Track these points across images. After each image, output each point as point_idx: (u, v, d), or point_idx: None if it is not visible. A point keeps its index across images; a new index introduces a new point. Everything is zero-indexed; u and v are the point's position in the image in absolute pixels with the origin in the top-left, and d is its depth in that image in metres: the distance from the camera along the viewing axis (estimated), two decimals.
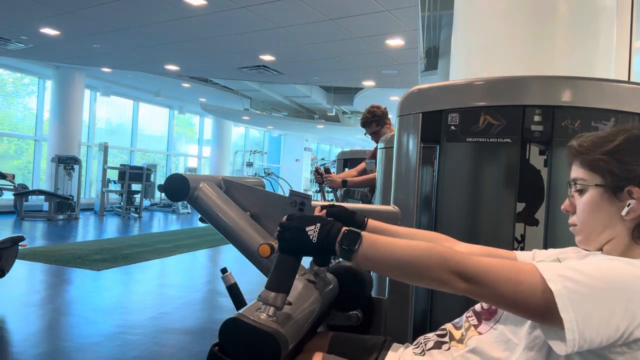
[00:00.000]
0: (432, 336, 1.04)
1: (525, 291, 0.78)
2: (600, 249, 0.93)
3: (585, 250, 0.98)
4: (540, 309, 0.76)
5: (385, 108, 3.50)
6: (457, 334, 1.00)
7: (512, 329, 0.91)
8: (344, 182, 3.38)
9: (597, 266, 0.79)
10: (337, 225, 0.91)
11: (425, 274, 0.83)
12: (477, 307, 1.03)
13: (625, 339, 0.73)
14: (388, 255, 0.87)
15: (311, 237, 0.90)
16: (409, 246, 0.86)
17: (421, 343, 1.04)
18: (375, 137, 3.48)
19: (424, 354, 1.00)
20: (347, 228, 0.91)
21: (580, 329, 0.72)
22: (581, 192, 0.94)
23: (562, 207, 1.00)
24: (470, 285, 0.81)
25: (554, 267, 0.79)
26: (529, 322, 0.87)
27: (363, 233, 0.89)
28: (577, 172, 0.96)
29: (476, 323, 0.98)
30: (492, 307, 0.98)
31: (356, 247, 0.87)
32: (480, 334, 0.96)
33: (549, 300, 0.75)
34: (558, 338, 0.75)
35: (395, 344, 1.14)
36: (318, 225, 0.91)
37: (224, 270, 1.16)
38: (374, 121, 3.41)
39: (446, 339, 1.01)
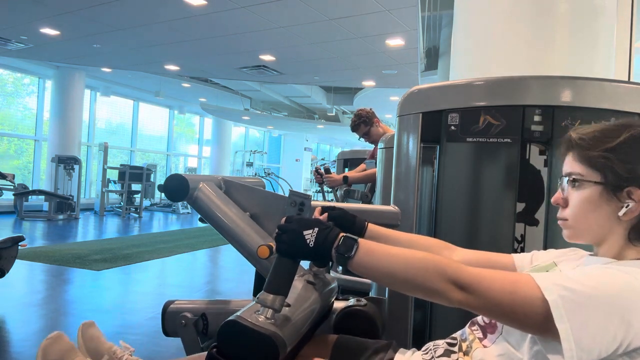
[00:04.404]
0: (442, 343, 1.03)
1: (521, 301, 0.77)
2: (593, 246, 0.92)
3: (579, 247, 0.98)
4: (538, 320, 0.76)
5: (370, 109, 3.56)
6: (463, 346, 1.00)
7: (514, 344, 0.90)
8: (345, 178, 3.39)
9: (593, 274, 0.78)
10: (335, 231, 0.91)
11: (421, 283, 0.83)
12: (479, 319, 1.02)
13: (625, 348, 0.72)
14: (383, 263, 0.87)
15: (308, 241, 0.90)
16: (405, 255, 0.86)
17: (430, 349, 1.03)
18: (368, 138, 3.52)
19: None
20: (345, 234, 0.90)
21: (575, 337, 0.71)
22: (576, 187, 0.90)
23: (552, 199, 0.96)
24: (466, 294, 0.80)
25: (549, 276, 0.79)
26: (529, 337, 0.85)
27: (360, 240, 0.89)
28: (573, 166, 0.91)
29: (481, 336, 0.98)
30: (494, 320, 0.97)
31: (352, 254, 0.87)
32: (485, 347, 0.95)
33: (545, 310, 0.74)
34: (558, 352, 0.74)
35: (402, 349, 1.13)
36: (316, 229, 0.91)
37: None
38: (361, 123, 3.47)
39: (455, 348, 1.00)
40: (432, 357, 1.00)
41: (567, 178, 0.92)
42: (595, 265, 0.85)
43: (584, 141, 0.89)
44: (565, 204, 0.92)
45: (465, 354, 0.97)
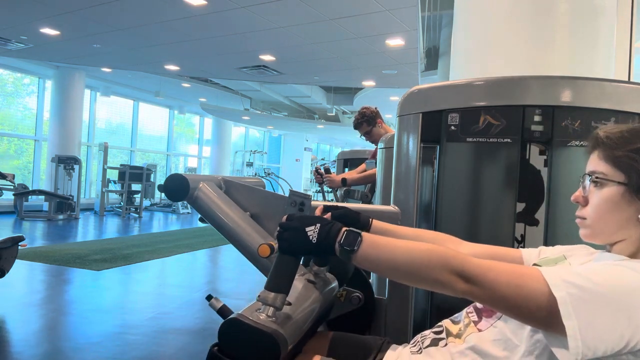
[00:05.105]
0: (428, 334, 1.03)
1: (527, 295, 0.76)
2: (607, 245, 0.91)
3: (592, 246, 0.97)
4: (543, 315, 0.75)
5: (375, 108, 3.54)
6: (454, 329, 0.99)
7: (512, 329, 0.89)
8: (344, 181, 3.39)
9: (602, 271, 0.77)
10: (337, 226, 0.91)
11: (426, 274, 0.83)
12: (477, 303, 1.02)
13: (631, 348, 0.72)
14: (388, 255, 0.86)
15: (311, 237, 0.89)
16: (410, 247, 0.86)
17: (418, 341, 1.03)
18: (369, 137, 3.51)
19: (421, 352, 0.99)
20: (347, 228, 0.90)
21: (583, 336, 0.71)
22: (599, 186, 0.88)
23: (572, 197, 0.93)
24: (471, 286, 0.79)
25: (558, 272, 0.78)
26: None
27: (363, 233, 0.88)
28: (597, 164, 0.89)
29: (476, 319, 0.97)
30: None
31: (356, 247, 0.87)
32: (480, 330, 0.94)
33: (551, 306, 0.73)
34: (562, 346, 0.74)
35: (394, 345, 1.13)
36: (318, 225, 0.90)
37: (208, 297, 1.12)
38: (364, 121, 3.46)
39: (443, 335, 1.00)
40: (420, 348, 1.00)
41: (589, 176, 0.90)
42: (605, 262, 0.84)
43: (611, 140, 0.87)
44: (585, 202, 0.90)
45: (457, 337, 0.97)
